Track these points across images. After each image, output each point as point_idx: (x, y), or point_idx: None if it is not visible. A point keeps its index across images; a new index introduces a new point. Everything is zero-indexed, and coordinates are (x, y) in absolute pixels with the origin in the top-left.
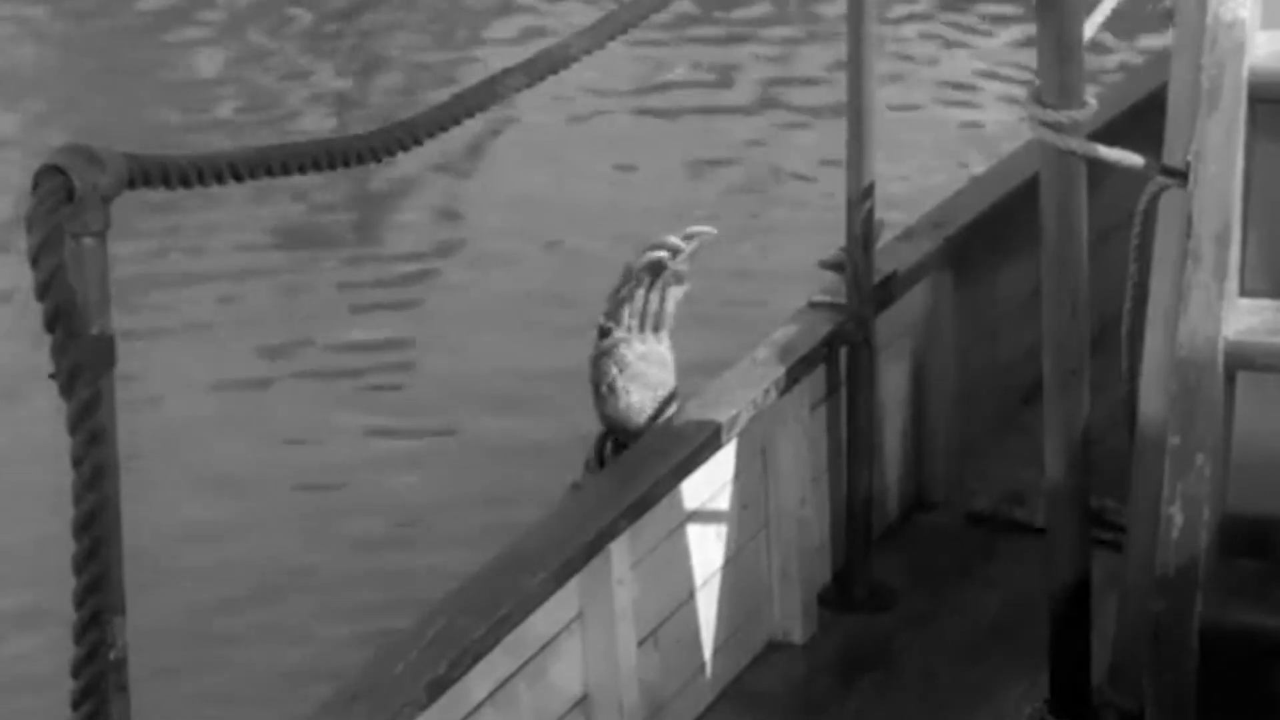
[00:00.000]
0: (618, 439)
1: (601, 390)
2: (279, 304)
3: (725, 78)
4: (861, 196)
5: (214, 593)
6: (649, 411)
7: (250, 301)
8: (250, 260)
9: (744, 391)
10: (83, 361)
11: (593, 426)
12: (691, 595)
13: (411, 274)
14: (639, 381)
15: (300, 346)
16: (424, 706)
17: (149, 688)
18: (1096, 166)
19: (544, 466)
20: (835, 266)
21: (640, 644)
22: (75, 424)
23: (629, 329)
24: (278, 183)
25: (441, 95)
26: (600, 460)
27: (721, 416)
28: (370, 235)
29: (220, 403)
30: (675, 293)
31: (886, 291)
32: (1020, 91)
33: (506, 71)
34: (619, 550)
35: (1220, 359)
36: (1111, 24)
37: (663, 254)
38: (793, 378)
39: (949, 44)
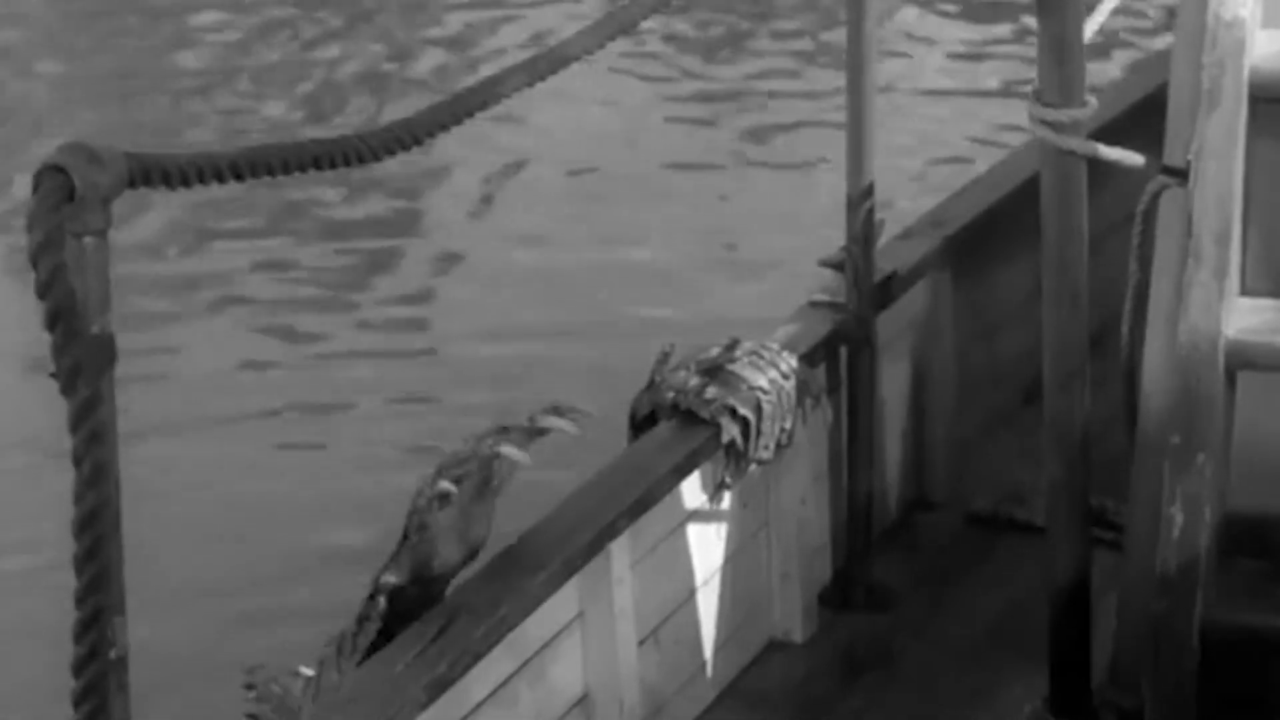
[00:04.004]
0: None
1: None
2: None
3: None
4: (861, 196)
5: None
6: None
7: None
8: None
9: None
10: (83, 361)
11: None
12: (692, 595)
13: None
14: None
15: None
16: (424, 706)
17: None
18: (1097, 166)
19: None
20: (835, 266)
21: (640, 644)
22: (76, 423)
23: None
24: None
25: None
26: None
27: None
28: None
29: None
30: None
31: (887, 291)
32: None
33: (507, 71)
34: (619, 550)
35: (1221, 358)
36: None
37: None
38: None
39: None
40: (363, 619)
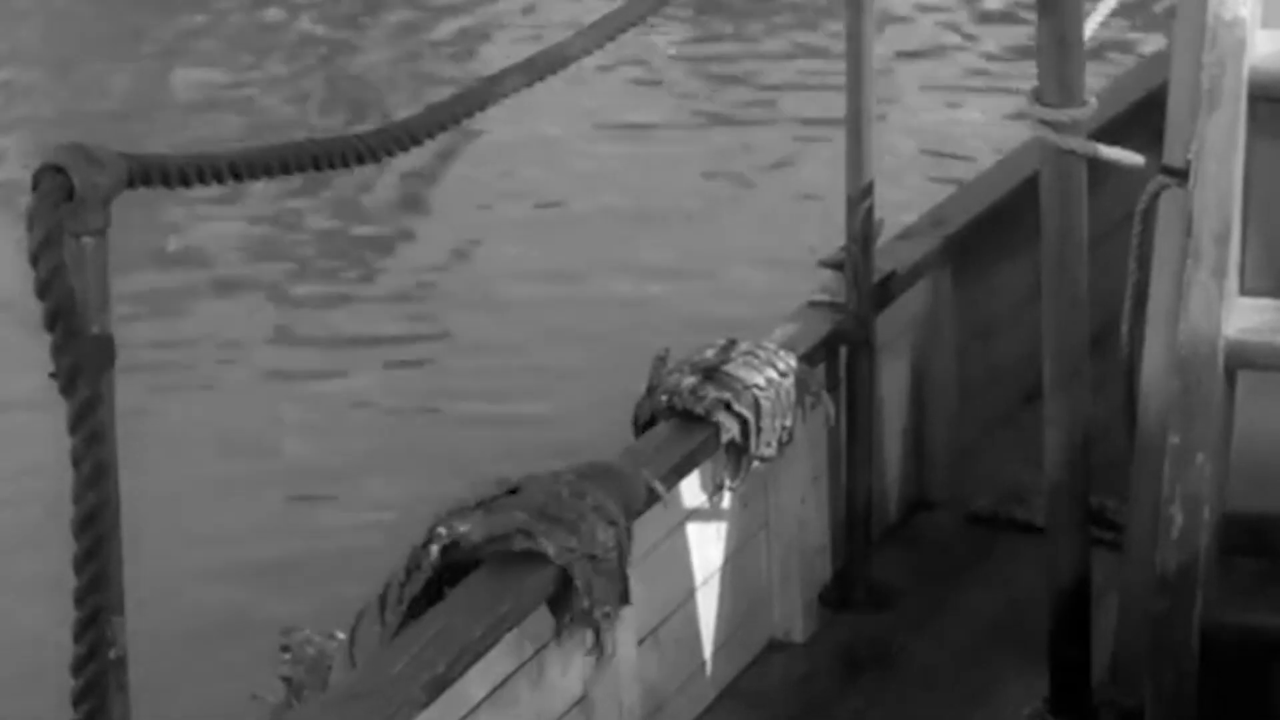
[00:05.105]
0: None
1: None
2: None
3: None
4: (861, 196)
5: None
6: None
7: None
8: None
9: None
10: (82, 360)
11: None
12: (691, 594)
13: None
14: None
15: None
16: (423, 705)
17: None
18: (1096, 166)
19: None
20: (835, 265)
21: (640, 643)
22: (75, 423)
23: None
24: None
25: None
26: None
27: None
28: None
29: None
30: None
31: (886, 291)
32: None
33: (506, 71)
34: None
35: (1220, 358)
36: None
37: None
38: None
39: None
40: (411, 568)
